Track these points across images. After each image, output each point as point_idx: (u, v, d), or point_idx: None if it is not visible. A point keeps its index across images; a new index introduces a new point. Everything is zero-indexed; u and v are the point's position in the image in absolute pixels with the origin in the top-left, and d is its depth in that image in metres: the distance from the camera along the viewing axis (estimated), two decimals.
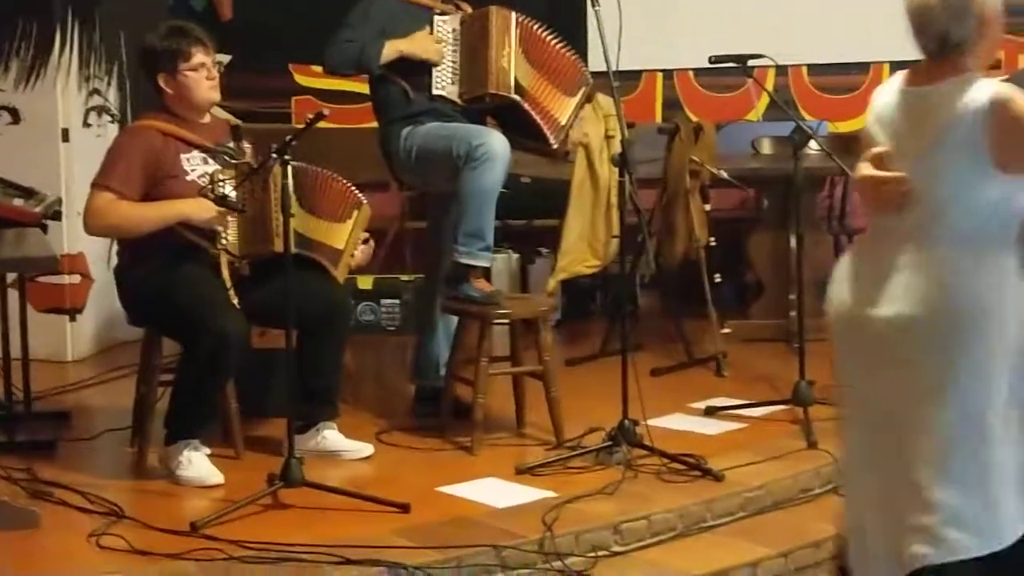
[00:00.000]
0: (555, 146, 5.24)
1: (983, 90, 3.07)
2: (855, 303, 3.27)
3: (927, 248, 3.13)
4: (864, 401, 3.31)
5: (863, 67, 6.91)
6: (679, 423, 5.28)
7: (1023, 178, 3.07)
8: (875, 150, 3.24)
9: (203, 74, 4.72)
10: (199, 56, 4.72)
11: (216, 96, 4.80)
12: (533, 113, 5.17)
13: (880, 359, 3.22)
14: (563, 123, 5.23)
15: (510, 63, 5.13)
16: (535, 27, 5.23)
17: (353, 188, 4.97)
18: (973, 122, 3.05)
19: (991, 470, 3.11)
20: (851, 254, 3.39)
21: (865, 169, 3.24)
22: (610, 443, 4.73)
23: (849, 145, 6.60)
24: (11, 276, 5.33)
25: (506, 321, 5.17)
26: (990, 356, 3.10)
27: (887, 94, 3.28)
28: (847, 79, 6.89)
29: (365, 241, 5.02)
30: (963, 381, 3.10)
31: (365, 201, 4.97)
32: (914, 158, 3.14)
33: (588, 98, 5.38)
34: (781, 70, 6.55)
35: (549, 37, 5.25)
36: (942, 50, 3.13)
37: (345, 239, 4.90)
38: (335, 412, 4.92)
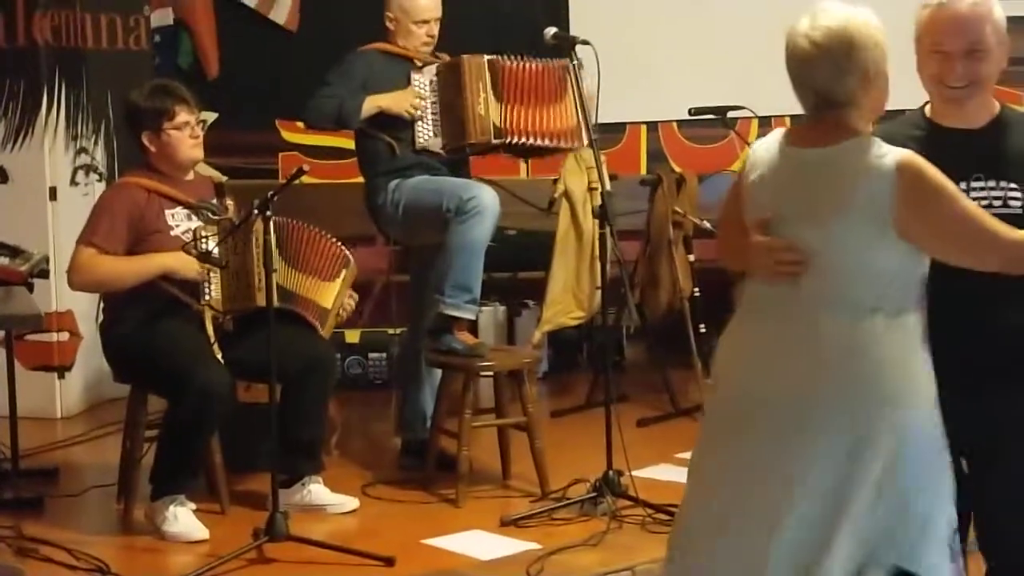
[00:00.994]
0: (570, 145, 5.30)
1: (887, 155, 2.79)
2: (747, 380, 2.91)
3: (827, 318, 2.82)
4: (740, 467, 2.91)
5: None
6: (665, 473, 5.28)
7: (923, 245, 2.83)
8: (760, 216, 2.91)
9: (186, 132, 4.77)
10: (183, 115, 4.76)
11: (199, 154, 4.84)
12: (512, 138, 5.21)
13: (774, 436, 2.84)
14: (566, 126, 5.24)
15: (487, 109, 5.17)
16: (508, 63, 5.25)
17: (340, 246, 5.00)
18: (878, 189, 2.76)
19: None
20: (738, 327, 3.01)
21: (755, 235, 2.91)
22: (595, 494, 4.74)
23: None
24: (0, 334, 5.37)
25: (490, 373, 5.19)
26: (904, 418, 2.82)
27: (767, 151, 2.95)
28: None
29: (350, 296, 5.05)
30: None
31: (352, 259, 5.00)
32: (808, 224, 2.84)
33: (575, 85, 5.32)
34: (764, 121, 6.61)
35: (525, 63, 5.25)
36: (825, 106, 2.84)
37: (333, 298, 4.94)
38: (320, 466, 4.93)
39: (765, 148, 2.96)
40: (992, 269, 2.87)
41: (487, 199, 5.04)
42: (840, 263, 2.82)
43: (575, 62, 4.94)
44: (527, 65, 5.26)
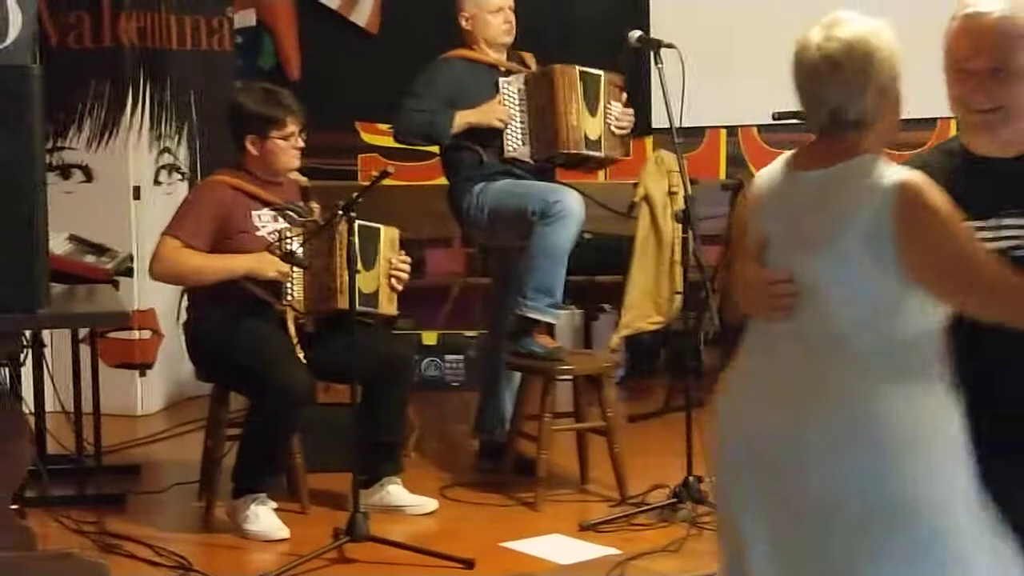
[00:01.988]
0: (605, 155, 5.28)
1: (890, 174, 2.50)
2: (755, 421, 2.62)
3: (827, 364, 2.54)
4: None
5: (930, 123, 6.90)
6: None
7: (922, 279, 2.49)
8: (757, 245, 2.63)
9: (291, 143, 4.80)
10: (291, 126, 4.80)
11: (296, 164, 4.88)
12: (597, 153, 5.22)
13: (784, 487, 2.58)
14: (599, 136, 5.23)
15: (579, 120, 5.17)
16: (587, 72, 5.25)
17: (368, 223, 4.79)
18: (877, 210, 2.47)
19: None
20: (743, 363, 2.72)
21: (750, 266, 2.63)
22: (675, 500, 4.72)
23: None
24: (83, 331, 5.43)
25: (569, 377, 5.18)
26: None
27: (769, 177, 2.68)
28: (913, 135, 6.87)
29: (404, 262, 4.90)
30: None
31: (380, 226, 4.88)
32: (804, 252, 2.55)
33: (614, 84, 5.30)
34: None
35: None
36: (835, 126, 2.54)
37: (376, 275, 4.82)
38: (399, 467, 4.94)
39: (767, 174, 2.70)
40: (991, 317, 2.52)
41: (572, 203, 5.04)
42: (837, 296, 2.51)
43: (659, 65, 4.92)
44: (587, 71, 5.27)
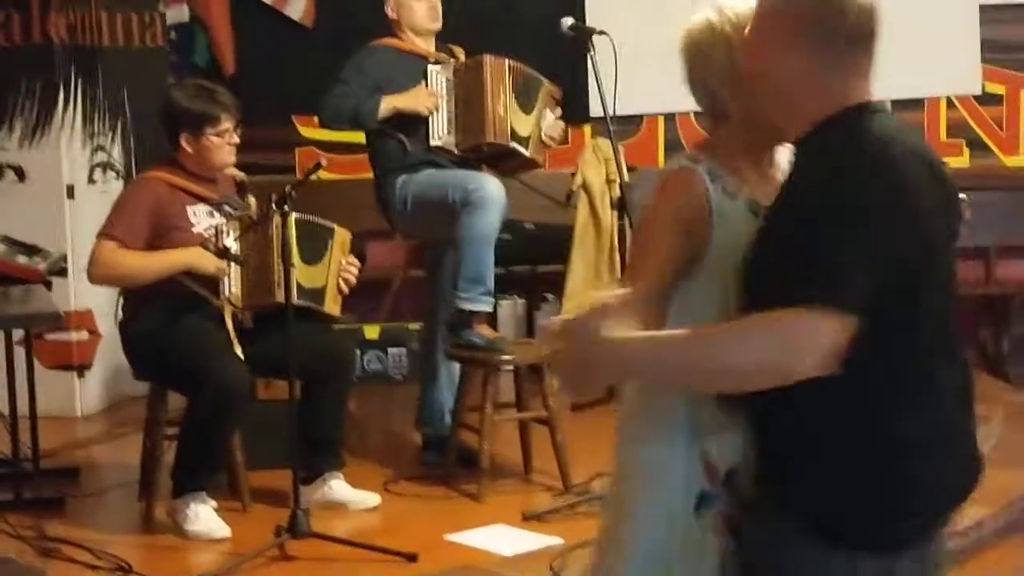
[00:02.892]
0: (530, 155, 5.27)
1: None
2: None
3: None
4: None
5: (916, 104, 6.91)
6: None
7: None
8: None
9: (226, 139, 4.76)
10: (225, 123, 4.75)
11: (231, 160, 4.84)
12: (522, 149, 5.20)
13: None
14: (531, 134, 5.24)
15: (506, 111, 5.15)
16: (521, 68, 5.26)
17: (324, 221, 4.84)
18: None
19: None
20: None
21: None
22: None
23: None
24: (18, 333, 5.35)
25: (511, 367, 5.17)
26: None
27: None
28: (899, 116, 6.91)
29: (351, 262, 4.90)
30: None
31: (335, 226, 4.86)
32: None
33: (552, 96, 5.34)
34: None
35: (523, 67, 5.28)
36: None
37: (325, 273, 4.81)
38: (340, 462, 4.91)
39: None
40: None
41: (492, 190, 5.02)
42: None
43: (591, 52, 4.91)
44: (524, 68, 5.27)
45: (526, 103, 5.23)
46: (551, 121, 5.31)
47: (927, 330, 2.22)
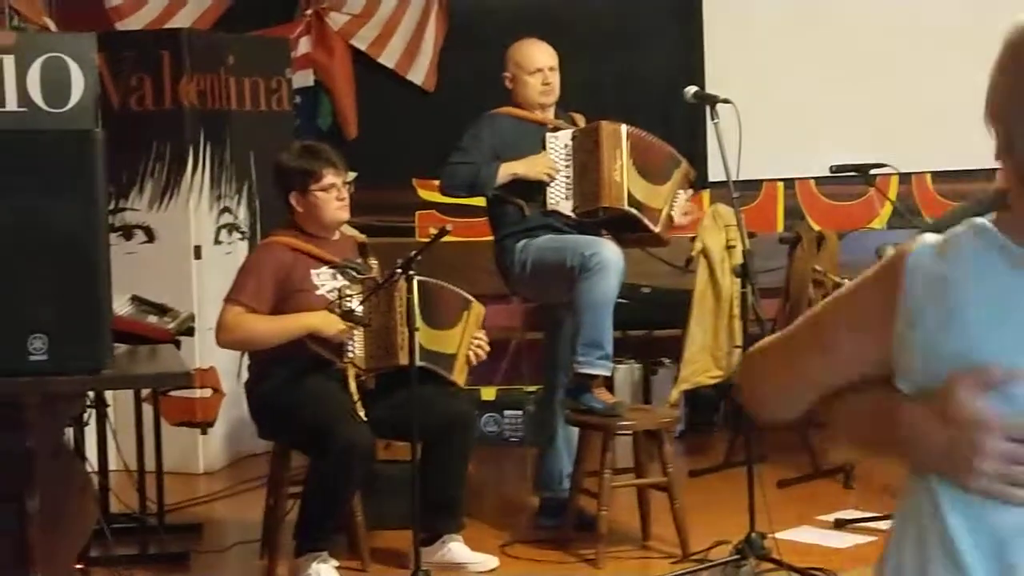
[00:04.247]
0: (658, 231, 5.28)
1: None
2: None
3: None
4: None
5: (989, 173, 6.85)
6: (807, 536, 5.21)
7: None
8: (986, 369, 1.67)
9: (332, 195, 4.84)
10: (329, 177, 4.83)
11: (344, 216, 4.91)
12: (642, 216, 5.22)
13: None
14: (661, 208, 5.26)
15: (623, 176, 5.19)
16: (643, 135, 5.30)
17: (460, 291, 4.97)
18: None
19: None
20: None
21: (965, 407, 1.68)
22: (738, 556, 4.67)
23: None
24: (145, 391, 5.47)
25: (629, 432, 5.16)
26: None
27: (966, 257, 1.71)
28: (972, 186, 6.83)
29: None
30: None
31: (473, 300, 4.96)
32: None
33: (687, 178, 5.40)
34: (904, 177, 6.54)
35: (652, 139, 5.31)
36: None
37: (457, 342, 4.90)
38: (460, 524, 4.93)
39: (960, 253, 1.72)
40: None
41: (610, 255, 5.04)
42: None
43: (715, 120, 4.93)
44: (655, 141, 5.31)
45: (651, 172, 5.24)
46: (682, 201, 5.33)
47: None
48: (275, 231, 5.03)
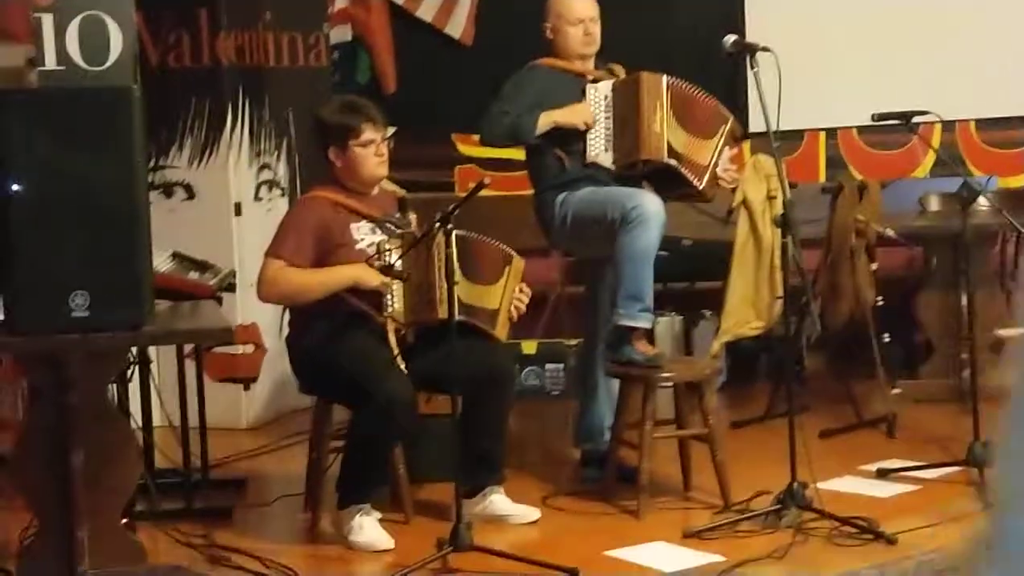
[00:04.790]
0: (702, 188, 5.24)
1: None
2: None
3: None
4: None
5: None
6: (850, 486, 5.20)
7: None
8: None
9: (371, 150, 4.83)
10: (368, 133, 4.82)
11: (383, 172, 4.91)
12: (683, 169, 5.19)
13: None
14: (706, 164, 5.23)
15: (663, 128, 5.15)
16: (684, 87, 5.26)
17: (502, 246, 4.97)
18: None
19: None
20: None
21: None
22: (779, 506, 4.67)
23: (1018, 200, 6.48)
24: (188, 347, 5.51)
25: (670, 384, 5.16)
26: None
27: None
28: (1017, 133, 6.77)
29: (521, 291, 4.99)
30: None
31: (514, 254, 4.96)
32: None
33: (733, 134, 5.35)
34: (948, 125, 6.47)
35: (696, 92, 5.27)
36: None
37: (500, 297, 4.90)
38: (502, 477, 4.95)
39: None
40: None
41: (651, 207, 5.01)
42: None
43: (755, 69, 4.89)
44: (700, 95, 5.25)
45: (694, 125, 5.20)
46: (726, 159, 5.29)
47: None
48: (315, 186, 5.03)
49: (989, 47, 6.88)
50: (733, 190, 6.28)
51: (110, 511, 4.07)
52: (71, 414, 3.87)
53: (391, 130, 6.44)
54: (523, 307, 4.96)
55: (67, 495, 3.87)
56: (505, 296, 4.90)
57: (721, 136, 5.28)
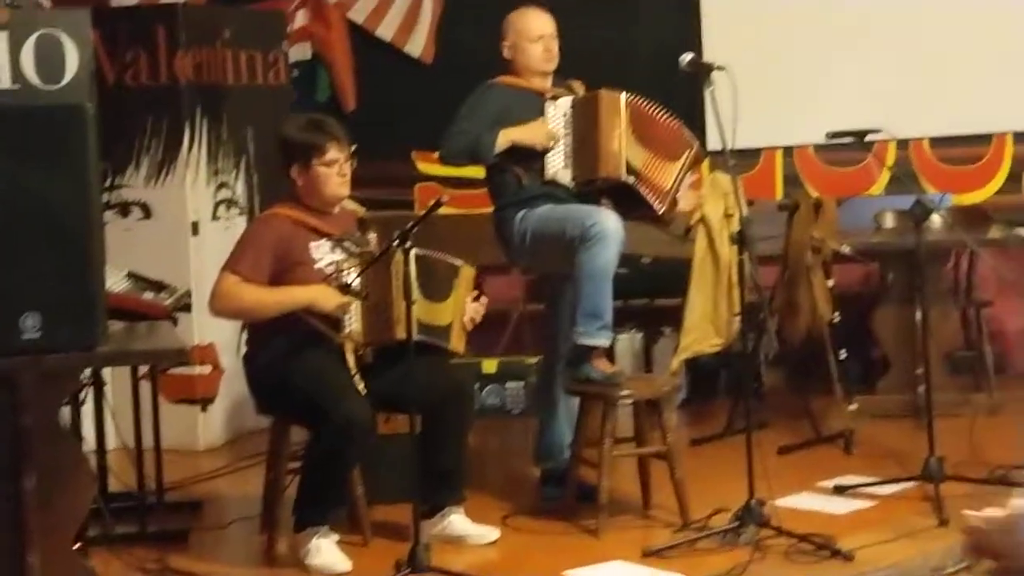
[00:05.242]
0: (661, 212, 5.24)
1: None
2: None
3: None
4: None
5: (985, 139, 6.84)
6: (807, 502, 5.20)
7: None
8: None
9: (335, 170, 4.81)
10: (333, 152, 4.80)
11: (345, 192, 4.88)
12: (641, 189, 5.19)
13: None
14: (668, 188, 5.23)
15: (620, 145, 5.15)
16: (644, 105, 5.26)
17: (449, 257, 4.91)
18: None
19: None
20: None
21: None
22: (737, 524, 4.67)
23: (972, 217, 6.52)
24: (143, 368, 5.46)
25: (629, 402, 5.15)
26: None
27: None
28: (969, 151, 6.82)
29: (476, 299, 4.96)
30: None
31: (462, 264, 4.91)
32: None
33: (696, 159, 5.36)
34: (902, 143, 6.50)
35: (657, 112, 5.28)
36: None
37: (451, 312, 4.86)
38: (461, 497, 4.93)
39: None
40: None
41: (609, 224, 5.01)
42: None
43: (710, 88, 4.89)
44: (659, 115, 5.26)
45: (654, 144, 5.20)
46: (687, 184, 5.30)
47: None
48: (275, 204, 5.01)
49: (942, 66, 6.93)
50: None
51: (62, 535, 4.01)
52: (23, 436, 3.82)
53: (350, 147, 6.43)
54: (478, 317, 4.93)
55: (18, 519, 3.81)
56: (456, 308, 4.87)
57: (685, 161, 5.29)
